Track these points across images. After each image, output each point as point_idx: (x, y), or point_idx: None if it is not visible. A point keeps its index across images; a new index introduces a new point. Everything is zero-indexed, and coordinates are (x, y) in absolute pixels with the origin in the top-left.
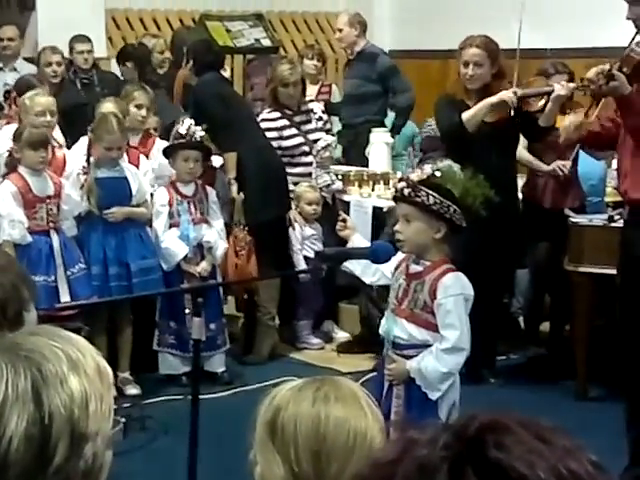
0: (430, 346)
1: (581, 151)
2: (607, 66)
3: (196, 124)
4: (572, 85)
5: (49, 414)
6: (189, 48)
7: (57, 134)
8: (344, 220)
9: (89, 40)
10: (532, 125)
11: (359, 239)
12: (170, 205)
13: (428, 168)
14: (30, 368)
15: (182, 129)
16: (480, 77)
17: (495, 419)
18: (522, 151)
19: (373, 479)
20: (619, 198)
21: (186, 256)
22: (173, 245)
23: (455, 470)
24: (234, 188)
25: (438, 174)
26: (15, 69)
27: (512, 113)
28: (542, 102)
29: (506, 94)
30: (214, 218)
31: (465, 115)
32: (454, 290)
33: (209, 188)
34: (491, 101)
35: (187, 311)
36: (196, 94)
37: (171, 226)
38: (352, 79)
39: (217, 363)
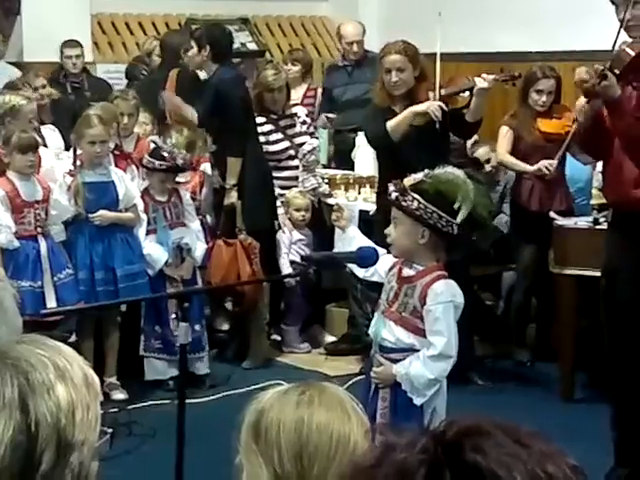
0: (416, 351)
1: (567, 154)
2: (600, 66)
3: (206, 120)
4: (492, 77)
5: (35, 422)
6: (202, 35)
7: (57, 138)
8: (340, 211)
9: (79, 45)
10: (460, 122)
11: (354, 231)
12: (146, 212)
13: (421, 174)
14: (17, 376)
15: (164, 152)
16: (404, 82)
17: (473, 423)
18: (505, 155)
19: None
20: (604, 200)
21: (167, 261)
22: (154, 251)
23: (433, 473)
24: (234, 194)
25: (429, 180)
26: None
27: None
28: (467, 98)
29: (432, 106)
30: (190, 220)
31: (390, 124)
32: (444, 297)
33: (182, 191)
34: (415, 110)
35: (173, 316)
36: (220, 93)
37: (148, 232)
38: (360, 84)
39: (204, 366)
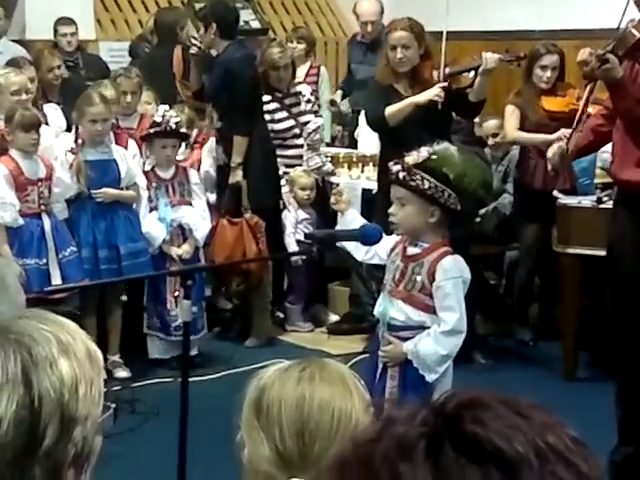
0: (426, 328)
1: None
2: (601, 50)
3: (214, 97)
4: (498, 56)
5: (39, 397)
6: (207, 13)
7: (59, 117)
8: (340, 193)
9: (73, 23)
10: (463, 101)
11: (353, 214)
12: (148, 189)
13: (424, 151)
14: (20, 351)
15: (157, 117)
16: (409, 59)
17: (473, 396)
18: (517, 132)
19: (353, 458)
20: (608, 179)
21: (164, 239)
22: (152, 229)
23: (433, 445)
24: (239, 173)
25: (434, 157)
26: None
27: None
28: (471, 77)
29: (433, 93)
30: (196, 199)
31: (388, 110)
32: (453, 273)
33: (191, 170)
34: (416, 101)
35: (177, 293)
36: (229, 70)
37: (150, 210)
38: (372, 66)
39: (200, 344)
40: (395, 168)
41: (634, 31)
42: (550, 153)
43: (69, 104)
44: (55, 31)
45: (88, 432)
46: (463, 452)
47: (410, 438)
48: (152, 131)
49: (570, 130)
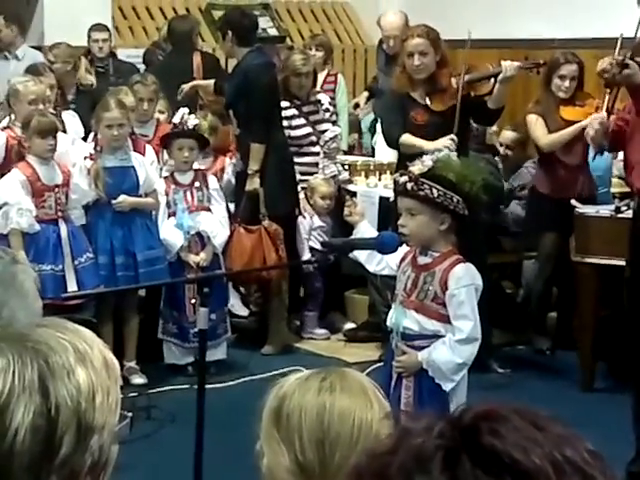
0: (441, 336)
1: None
2: (620, 56)
3: (232, 104)
4: (517, 64)
5: (56, 406)
6: (224, 21)
7: (77, 124)
8: (353, 205)
9: (106, 29)
10: (482, 109)
11: (366, 226)
12: (167, 194)
13: (428, 160)
14: (37, 359)
15: (175, 119)
16: (426, 66)
17: (490, 408)
18: (550, 136)
19: (369, 469)
20: (626, 189)
21: (182, 246)
22: (170, 235)
23: (450, 458)
24: (256, 180)
25: (438, 165)
26: (17, 57)
27: (459, 100)
28: (490, 85)
29: (445, 143)
30: (215, 205)
31: (404, 140)
32: (466, 281)
33: (210, 176)
34: (430, 147)
35: (193, 301)
36: (247, 77)
37: (169, 216)
38: (388, 76)
39: (219, 352)
40: (402, 179)
41: None
42: (592, 130)
43: (85, 110)
44: (88, 37)
45: (104, 441)
46: (480, 464)
47: (427, 450)
48: (170, 132)
49: (603, 114)
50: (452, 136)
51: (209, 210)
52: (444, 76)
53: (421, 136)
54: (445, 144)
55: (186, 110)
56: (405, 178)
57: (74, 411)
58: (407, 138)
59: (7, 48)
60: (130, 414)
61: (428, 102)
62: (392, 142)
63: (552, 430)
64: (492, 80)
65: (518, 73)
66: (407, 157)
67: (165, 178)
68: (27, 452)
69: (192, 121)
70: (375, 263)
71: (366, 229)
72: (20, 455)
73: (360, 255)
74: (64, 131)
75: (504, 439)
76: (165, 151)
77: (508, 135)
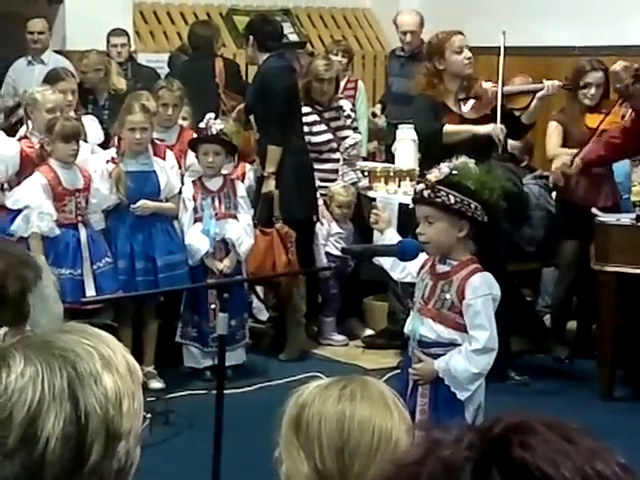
0: (458, 345)
1: None
2: (636, 65)
3: (252, 107)
4: (558, 83)
5: (85, 414)
6: (247, 27)
7: (97, 129)
8: (379, 212)
9: (125, 34)
10: (515, 123)
11: (392, 233)
12: (194, 200)
13: (445, 167)
14: (65, 367)
15: (202, 124)
16: (472, 62)
17: (520, 420)
18: (557, 149)
19: (398, 479)
20: None
21: (207, 251)
22: (195, 241)
23: (480, 470)
24: (272, 182)
25: (455, 172)
26: (43, 62)
27: (496, 110)
28: (527, 99)
29: (496, 131)
30: (241, 213)
31: (447, 129)
32: (483, 290)
33: (238, 182)
34: (477, 130)
35: (213, 306)
36: (265, 80)
37: (195, 221)
38: (408, 79)
39: (237, 357)
40: (419, 187)
41: None
42: (553, 167)
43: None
44: (107, 42)
45: (130, 446)
46: (510, 477)
47: (456, 461)
48: (195, 137)
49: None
50: (501, 125)
51: (235, 217)
52: (477, 83)
53: (450, 146)
54: (496, 130)
55: (212, 115)
56: (422, 186)
57: (103, 418)
58: (451, 126)
59: (42, 53)
60: (149, 416)
61: (463, 109)
62: (434, 133)
63: (583, 443)
64: (530, 95)
65: (556, 92)
66: (434, 162)
67: (193, 183)
68: (58, 461)
69: (217, 126)
70: (399, 270)
71: (392, 236)
72: (51, 464)
73: (385, 262)
74: (85, 135)
75: (534, 452)
76: (191, 156)
77: (514, 144)
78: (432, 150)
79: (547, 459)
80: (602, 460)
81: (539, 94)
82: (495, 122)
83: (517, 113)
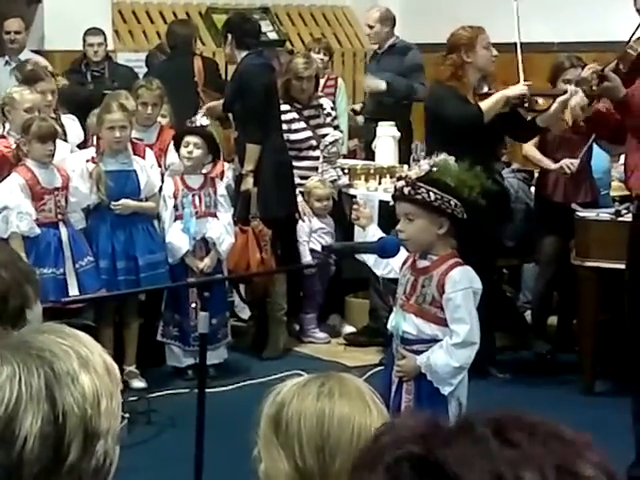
0: (439, 341)
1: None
2: (599, 66)
3: (230, 105)
4: (582, 93)
5: (63, 413)
6: (223, 26)
7: (77, 128)
8: (361, 209)
9: (101, 33)
10: (523, 124)
11: (374, 229)
12: (175, 197)
13: (425, 164)
14: (43, 367)
15: (188, 122)
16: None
17: (465, 419)
18: (531, 148)
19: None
20: (626, 192)
21: (188, 250)
22: (176, 239)
23: (392, 466)
24: (250, 180)
25: (435, 169)
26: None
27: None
28: (548, 103)
29: (521, 88)
30: (222, 211)
31: (484, 105)
32: (463, 284)
33: (218, 181)
34: (507, 94)
35: (194, 305)
36: (243, 78)
37: (176, 218)
38: (382, 73)
39: (218, 356)
40: (399, 184)
41: (635, 46)
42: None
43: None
44: (84, 41)
45: (109, 446)
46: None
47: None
48: (179, 131)
49: (576, 160)
50: (528, 82)
51: (215, 216)
52: (495, 81)
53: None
54: (522, 89)
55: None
56: (402, 182)
57: (81, 418)
58: (487, 101)
59: (19, 53)
60: (127, 415)
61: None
62: (475, 115)
63: (527, 447)
64: (552, 99)
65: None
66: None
67: (174, 179)
68: (36, 460)
69: (201, 120)
70: (382, 267)
71: (374, 232)
72: (29, 464)
73: (368, 259)
74: (64, 134)
75: (452, 452)
76: (171, 155)
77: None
78: (470, 135)
79: (463, 461)
80: (530, 469)
81: (561, 98)
82: (499, 122)
83: (534, 115)
